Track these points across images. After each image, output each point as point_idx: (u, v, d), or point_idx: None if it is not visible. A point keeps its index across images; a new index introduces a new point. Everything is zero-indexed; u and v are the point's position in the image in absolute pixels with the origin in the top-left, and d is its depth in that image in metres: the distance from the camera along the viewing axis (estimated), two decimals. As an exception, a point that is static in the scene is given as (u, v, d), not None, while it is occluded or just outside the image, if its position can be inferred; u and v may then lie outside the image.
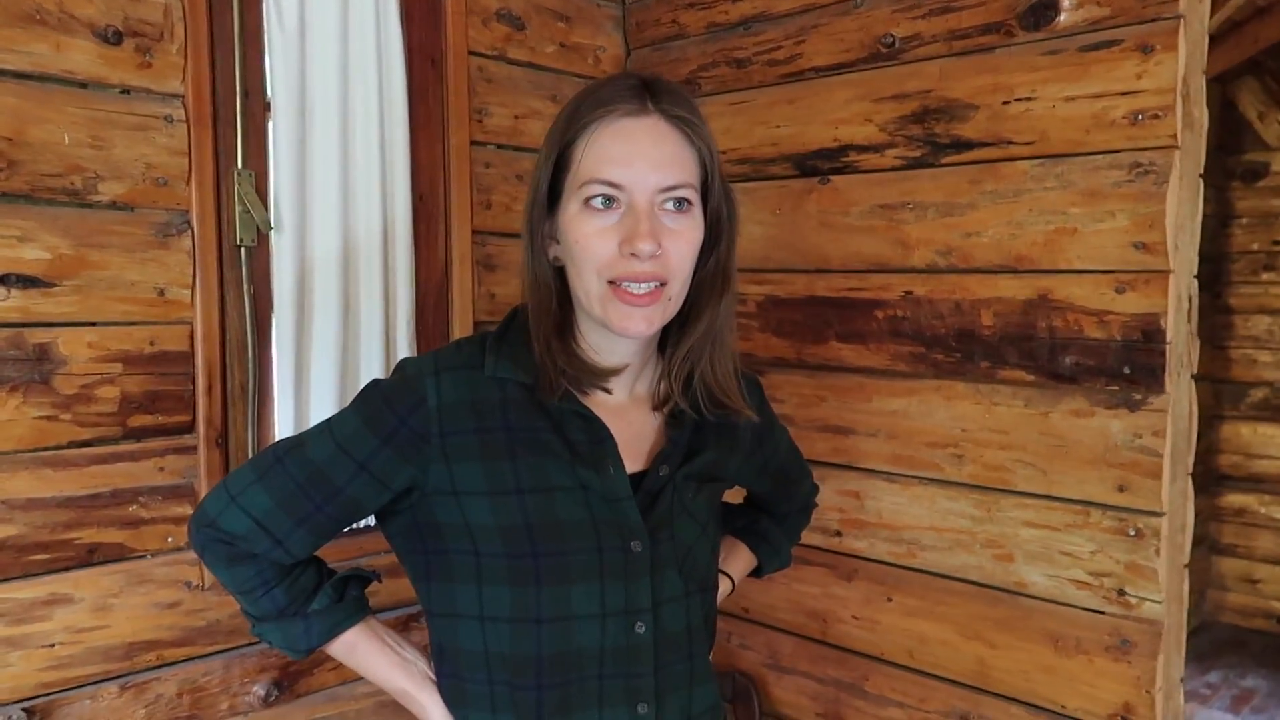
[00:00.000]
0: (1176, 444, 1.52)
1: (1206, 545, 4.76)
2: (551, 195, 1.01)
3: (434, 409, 0.99)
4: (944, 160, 1.71)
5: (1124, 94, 1.51)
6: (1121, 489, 1.54)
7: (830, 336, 1.87)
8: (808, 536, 1.88)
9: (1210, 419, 4.78)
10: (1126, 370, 1.53)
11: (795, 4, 1.90)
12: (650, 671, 1.03)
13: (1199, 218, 1.56)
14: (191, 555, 1.60)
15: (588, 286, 0.98)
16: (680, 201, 0.98)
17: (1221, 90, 4.91)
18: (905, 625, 1.80)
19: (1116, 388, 1.54)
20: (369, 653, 1.11)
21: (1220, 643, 4.42)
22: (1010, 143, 1.63)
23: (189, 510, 1.60)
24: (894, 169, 1.77)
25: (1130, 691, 1.54)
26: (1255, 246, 4.83)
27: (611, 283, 0.96)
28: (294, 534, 1.02)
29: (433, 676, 1.10)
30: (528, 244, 1.02)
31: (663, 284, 0.97)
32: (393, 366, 1.09)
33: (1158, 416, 1.50)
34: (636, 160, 0.96)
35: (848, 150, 1.84)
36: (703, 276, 1.04)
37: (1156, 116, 1.48)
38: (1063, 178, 1.57)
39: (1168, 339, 1.49)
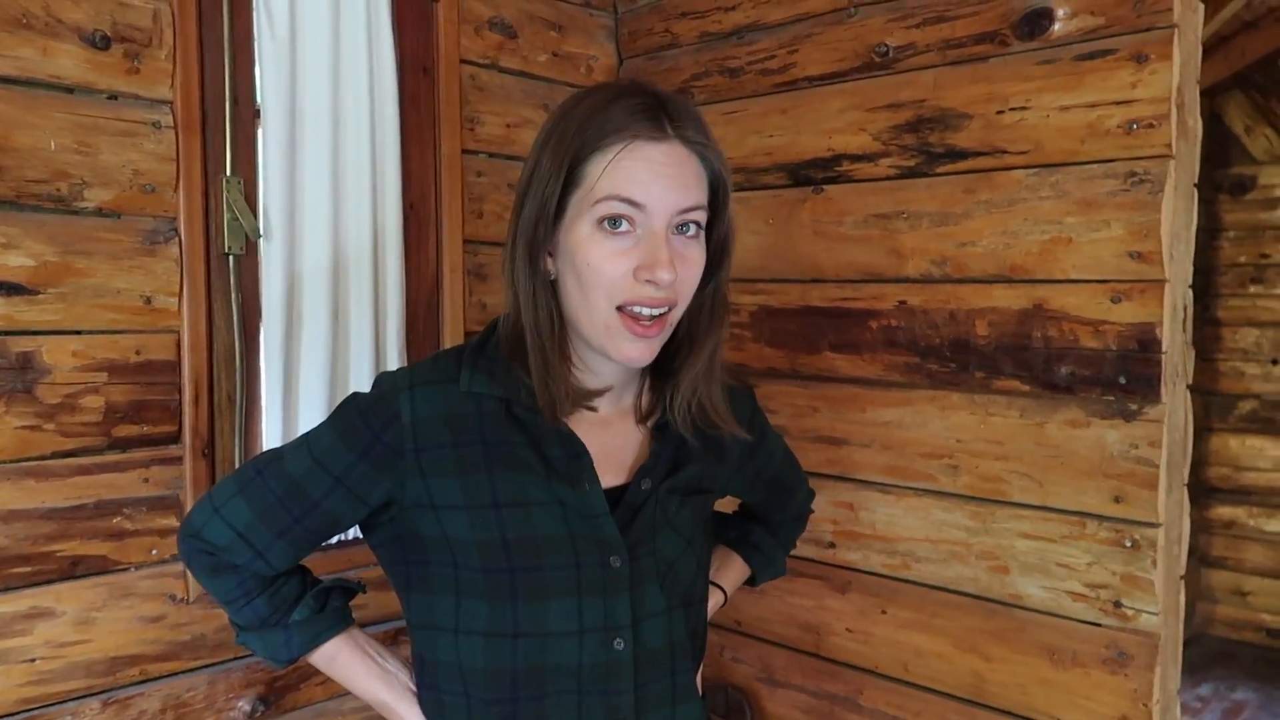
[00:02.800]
0: (1172, 454, 1.51)
1: (1196, 558, 4.77)
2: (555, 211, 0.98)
3: (408, 424, 0.99)
4: (938, 169, 1.70)
5: (1119, 103, 1.51)
6: (1118, 500, 1.53)
7: (824, 346, 1.86)
8: (801, 548, 1.86)
9: (1199, 431, 4.78)
10: (1122, 380, 1.52)
11: (788, 13, 1.90)
12: (630, 689, 1.02)
13: (1194, 227, 1.56)
14: (177, 568, 1.57)
15: (593, 310, 0.96)
16: (692, 225, 0.98)
17: (1209, 104, 4.94)
18: (900, 638, 1.78)
19: (1112, 398, 1.53)
20: (350, 663, 1.10)
21: (1210, 655, 4.42)
22: (1005, 152, 1.63)
23: (174, 522, 1.57)
24: (888, 178, 1.77)
25: (1127, 705, 1.52)
26: (1243, 259, 4.85)
27: (619, 308, 0.95)
28: (274, 546, 1.03)
29: (414, 688, 1.09)
30: (524, 259, 0.98)
31: (668, 311, 0.97)
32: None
33: (1154, 427, 1.49)
34: (657, 183, 0.94)
35: (841, 160, 1.83)
36: (701, 301, 1.03)
37: (1151, 126, 1.48)
38: (1057, 187, 1.57)
39: (1163, 349, 1.48)
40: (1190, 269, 1.55)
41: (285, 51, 1.67)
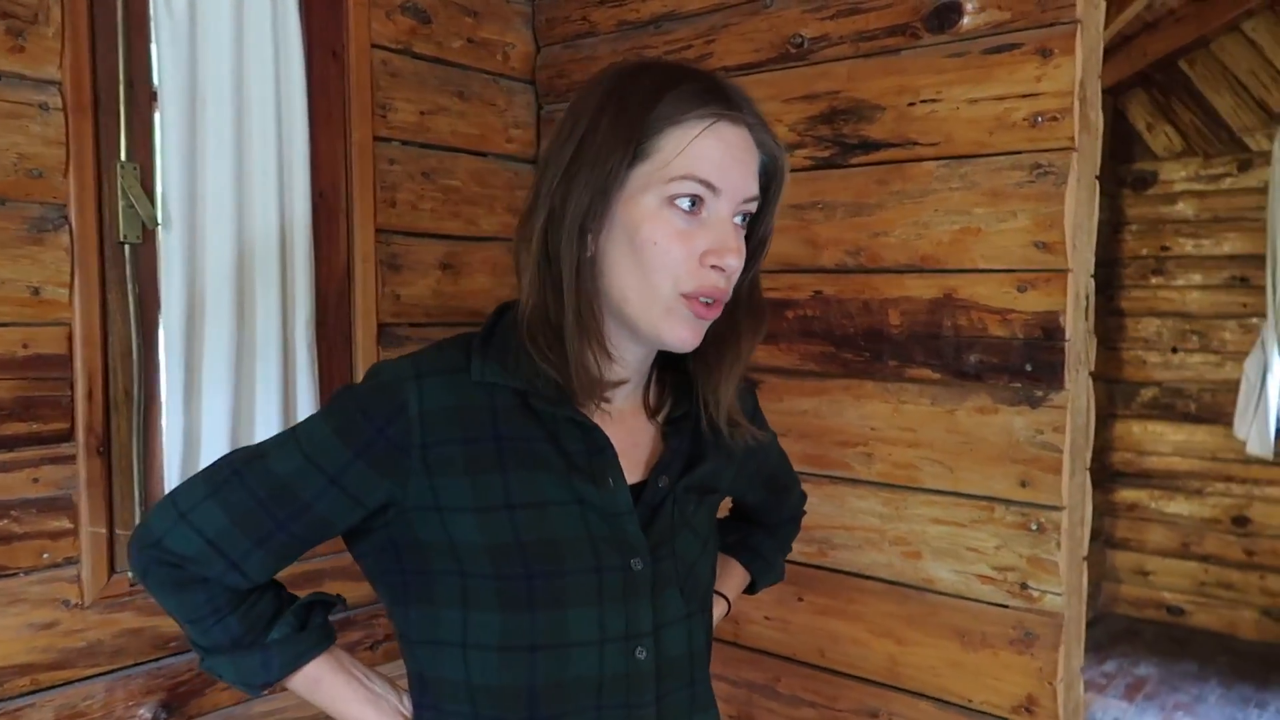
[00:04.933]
0: (1075, 439, 1.56)
1: (1101, 539, 4.95)
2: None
3: (415, 416, 0.90)
4: (852, 161, 1.72)
5: (1024, 96, 1.54)
6: (1024, 484, 1.57)
7: (742, 337, 1.87)
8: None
9: (1104, 418, 4.96)
10: (1028, 368, 1.56)
11: (705, 3, 1.89)
12: (652, 700, 0.96)
13: (1095, 219, 1.60)
14: (70, 572, 1.50)
15: (653, 290, 0.90)
16: (746, 216, 0.94)
17: (1113, 101, 5.12)
18: (817, 625, 1.80)
19: (1019, 385, 1.57)
20: (335, 686, 0.99)
21: (1115, 633, 4.60)
22: (916, 144, 1.65)
23: (66, 524, 1.50)
24: (804, 169, 1.78)
25: (1033, 683, 1.56)
26: (1145, 252, 5.04)
27: (683, 294, 0.90)
28: (252, 556, 0.92)
29: (405, 711, 1.00)
30: (573, 232, 0.90)
31: (721, 300, 0.93)
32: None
33: (1058, 413, 1.54)
34: (734, 168, 0.90)
35: (758, 150, 1.83)
36: (739, 297, 0.98)
37: (1055, 119, 1.51)
38: (966, 178, 1.60)
39: (1067, 337, 1.52)
40: (1092, 259, 1.60)
41: (184, 31, 1.61)
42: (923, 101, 1.64)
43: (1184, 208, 4.90)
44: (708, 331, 0.94)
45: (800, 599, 1.82)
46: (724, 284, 0.91)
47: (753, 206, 0.94)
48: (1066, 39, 1.50)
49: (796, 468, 1.80)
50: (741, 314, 0.99)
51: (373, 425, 0.90)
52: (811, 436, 1.79)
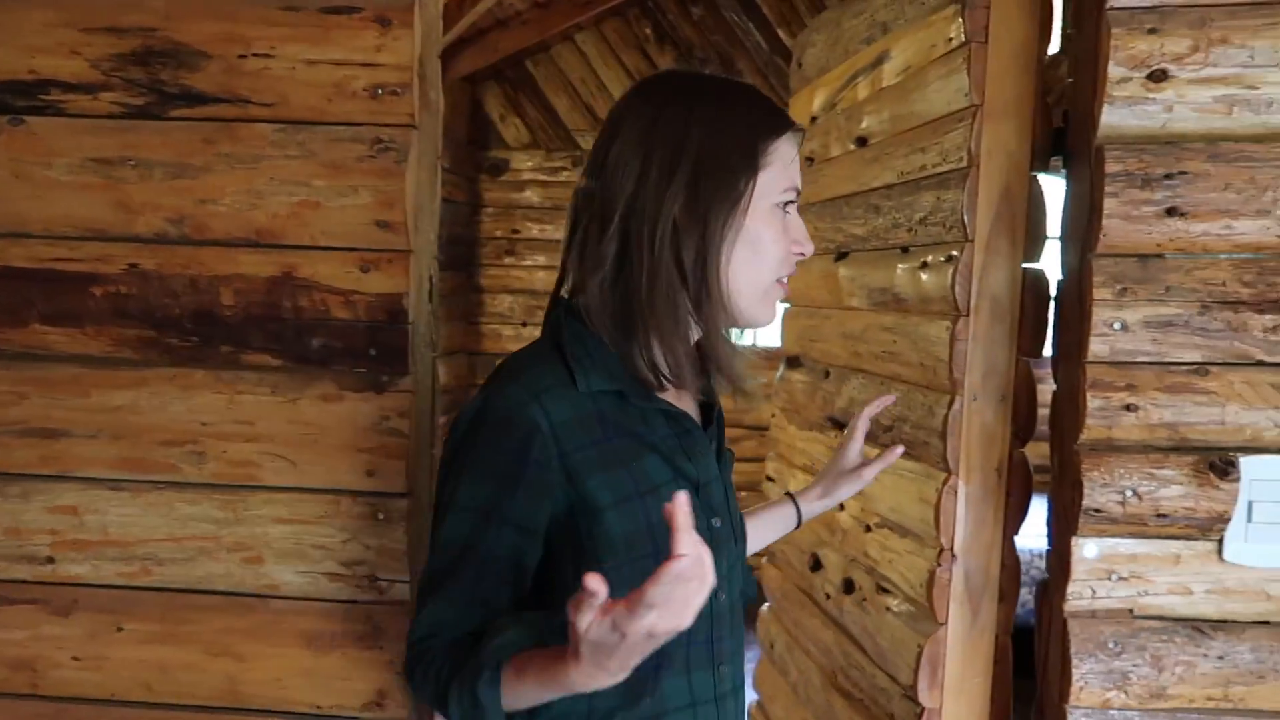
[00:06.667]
0: (420, 424, 1.54)
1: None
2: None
3: (549, 432, 1.02)
4: (173, 113, 1.47)
5: (365, 65, 1.45)
6: (370, 473, 1.50)
7: (32, 318, 1.50)
8: (8, 569, 1.52)
9: (465, 388, 5.28)
10: (373, 352, 1.49)
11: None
12: (727, 634, 1.14)
13: (438, 200, 1.59)
14: None
15: (760, 279, 1.08)
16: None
17: (473, 90, 5.42)
18: (141, 656, 1.53)
19: (364, 370, 1.49)
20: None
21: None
22: (249, 102, 1.47)
23: None
24: (111, 116, 1.48)
25: (382, 677, 1.52)
26: (499, 233, 5.46)
27: (777, 279, 1.10)
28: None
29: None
30: (695, 243, 1.03)
31: None
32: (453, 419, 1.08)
33: (403, 397, 1.50)
34: (801, 171, 1.12)
35: (49, 86, 1.48)
36: None
37: (395, 93, 1.45)
38: (305, 146, 1.47)
39: (410, 319, 1.49)
40: (435, 240, 1.59)
41: None
42: (255, 55, 1.46)
43: (531, 195, 5.40)
44: None
45: (120, 629, 1.53)
46: (796, 267, 1.12)
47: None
48: (405, 11, 1.44)
49: (108, 475, 1.53)
50: None
51: (516, 456, 1.01)
52: (128, 437, 1.51)
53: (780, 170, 1.07)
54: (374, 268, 1.48)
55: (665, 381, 1.07)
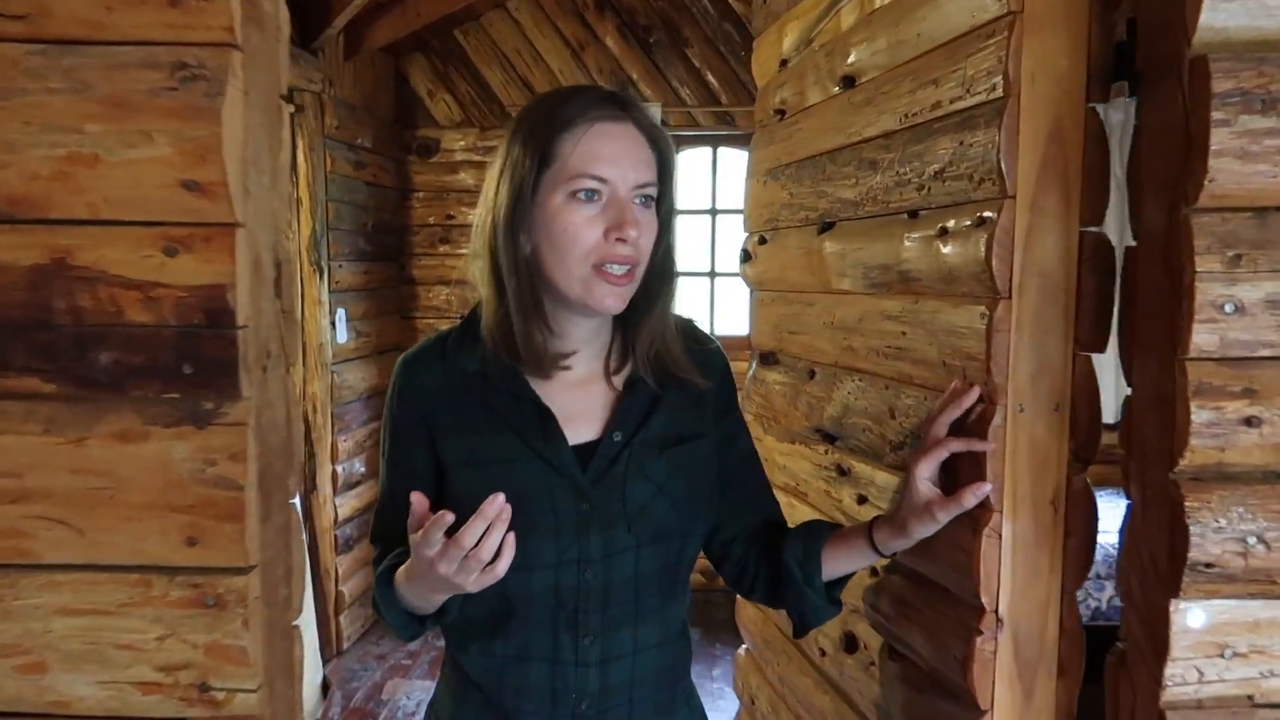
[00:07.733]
0: (267, 467, 1.09)
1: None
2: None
3: (413, 395, 1.24)
4: (-121, 31, 1.01)
5: (158, -43, 1.00)
6: (192, 542, 1.06)
7: None
8: None
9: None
10: (187, 369, 1.04)
11: None
12: (596, 610, 1.21)
13: (284, 155, 1.15)
14: None
15: (570, 269, 1.15)
16: (648, 198, 1.18)
17: (395, 64, 4.93)
18: None
19: (176, 395, 1.05)
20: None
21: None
22: (-7, 14, 1.01)
23: None
24: None
25: (221, 829, 1.08)
26: (432, 220, 4.98)
27: (594, 267, 1.15)
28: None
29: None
30: (506, 234, 1.18)
31: (633, 267, 1.17)
32: None
33: (234, 432, 1.05)
34: (620, 159, 1.15)
35: None
36: (653, 264, 1.21)
37: (204, -3, 1.00)
38: (75, 76, 1.01)
39: (240, 321, 1.04)
40: (284, 212, 1.14)
41: None
42: (-5, -57, 1.00)
43: (465, 177, 4.93)
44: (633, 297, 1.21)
45: None
46: (630, 251, 1.15)
47: (650, 190, 1.18)
48: (212, -125, 0.99)
49: None
50: (654, 277, 1.22)
51: (394, 413, 1.26)
52: None
53: (569, 163, 1.14)
54: (183, 249, 1.03)
55: (542, 363, 1.20)
